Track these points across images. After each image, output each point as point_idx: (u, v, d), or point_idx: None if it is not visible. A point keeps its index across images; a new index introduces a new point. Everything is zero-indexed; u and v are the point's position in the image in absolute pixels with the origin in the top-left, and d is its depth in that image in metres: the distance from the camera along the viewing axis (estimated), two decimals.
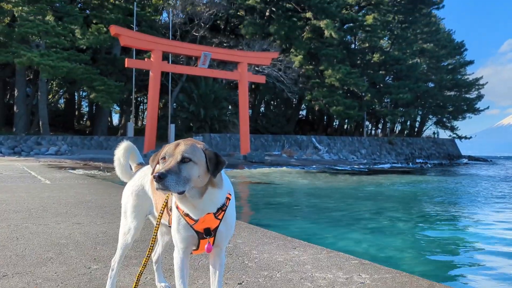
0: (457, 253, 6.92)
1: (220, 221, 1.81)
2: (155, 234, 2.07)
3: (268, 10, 42.68)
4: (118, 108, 47.49)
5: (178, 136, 32.89)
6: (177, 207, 1.81)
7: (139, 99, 49.12)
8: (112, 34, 27.28)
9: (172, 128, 31.92)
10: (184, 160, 1.63)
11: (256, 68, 36.95)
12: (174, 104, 38.39)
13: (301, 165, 30.77)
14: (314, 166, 30.90)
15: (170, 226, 1.96)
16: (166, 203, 1.98)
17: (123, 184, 2.38)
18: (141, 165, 2.36)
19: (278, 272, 2.95)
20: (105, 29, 30.94)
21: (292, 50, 43.57)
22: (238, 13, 45.20)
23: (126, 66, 27.73)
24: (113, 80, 32.87)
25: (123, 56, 33.51)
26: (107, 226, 4.43)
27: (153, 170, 1.75)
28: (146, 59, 29.51)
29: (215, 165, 1.67)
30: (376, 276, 2.88)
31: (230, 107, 42.11)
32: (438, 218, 10.49)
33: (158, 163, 1.74)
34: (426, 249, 7.09)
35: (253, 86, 45.13)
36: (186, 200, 1.72)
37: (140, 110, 53.77)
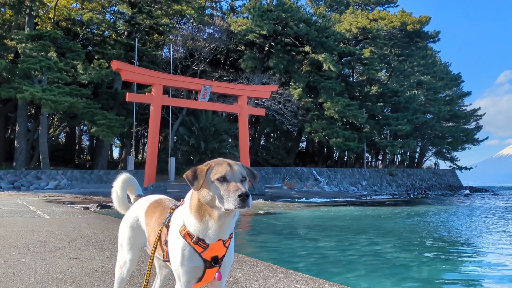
0: (463, 284, 6.78)
1: (226, 250, 1.81)
2: (149, 269, 2.04)
3: (267, 45, 43.52)
4: (118, 142, 47.63)
5: (178, 170, 32.85)
6: (185, 236, 1.78)
7: (139, 132, 49.37)
8: (113, 69, 27.69)
9: (172, 161, 31.89)
10: (242, 180, 1.71)
11: (256, 101, 37.33)
12: (175, 137, 38.54)
13: (302, 197, 30.57)
14: (315, 198, 30.69)
15: (165, 261, 1.94)
16: (160, 237, 1.95)
17: (122, 218, 2.36)
18: (139, 197, 2.34)
19: None
20: (106, 64, 31.46)
21: (291, 83, 44.17)
22: (238, 47, 46.08)
23: (127, 100, 28.00)
24: (114, 114, 33.14)
25: (124, 90, 33.93)
26: (106, 261, 4.36)
27: (198, 187, 1.72)
28: (147, 93, 29.85)
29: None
30: None
31: (230, 139, 42.24)
32: (444, 251, 10.32)
33: (200, 182, 1.71)
34: (432, 283, 6.95)
35: (253, 118, 45.46)
36: (225, 220, 1.73)
37: (140, 143, 53.93)
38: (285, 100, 39.21)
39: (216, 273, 1.79)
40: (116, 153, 55.59)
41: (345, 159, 56.81)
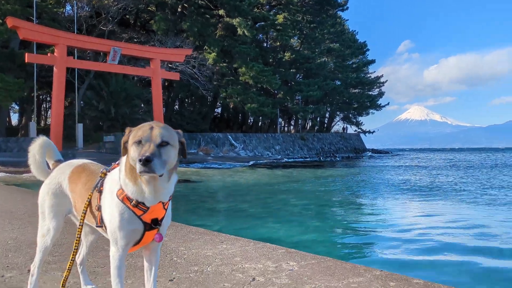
0: (370, 236, 7.41)
1: (166, 212, 1.79)
2: (78, 235, 1.96)
3: (180, 6, 41.98)
4: (17, 107, 43.64)
5: (86, 136, 31.13)
6: (123, 200, 1.72)
7: (42, 97, 45.56)
8: (9, 27, 25.00)
9: (79, 127, 30.14)
10: (162, 144, 1.62)
11: (170, 65, 36.20)
12: (82, 102, 36.23)
13: (218, 162, 30.82)
14: (231, 163, 31.12)
15: (97, 226, 1.87)
16: (90, 202, 1.88)
17: (31, 187, 2.18)
18: (59, 162, 2.21)
19: (209, 266, 2.94)
20: (0, 21, 28.19)
21: (205, 47, 43.36)
22: (149, 8, 43.85)
23: (26, 61, 25.62)
24: (11, 77, 30.09)
25: (22, 51, 30.80)
26: (17, 232, 4.08)
27: (122, 152, 1.72)
28: (49, 54, 27.48)
29: (185, 148, 1.73)
30: (303, 263, 2.98)
31: (142, 105, 40.78)
32: (351, 206, 11.15)
33: (125, 147, 1.70)
34: (344, 234, 7.49)
35: (166, 83, 44.15)
36: (155, 184, 1.68)
37: (43, 108, 49.87)
38: (199, 64, 38.52)
39: (156, 235, 1.78)
40: (15, 119, 50.96)
41: (259, 125, 57.99)
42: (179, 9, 42.37)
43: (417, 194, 13.68)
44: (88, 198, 1.89)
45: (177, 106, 52.16)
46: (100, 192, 1.84)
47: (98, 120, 35.67)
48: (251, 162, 33.20)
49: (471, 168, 28.78)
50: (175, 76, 33.19)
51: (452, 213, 9.99)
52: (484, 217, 9.49)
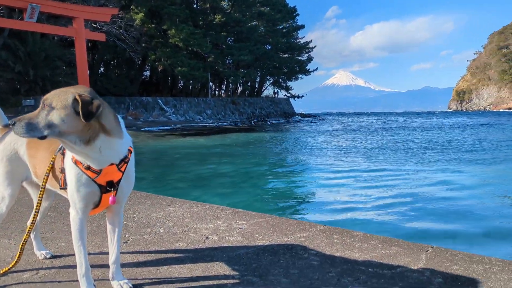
0: (308, 193, 7.93)
1: (123, 174, 1.81)
2: (39, 199, 1.98)
3: None
4: None
5: (3, 100, 28.92)
6: (76, 163, 1.76)
7: None
8: None
9: None
10: (43, 107, 1.63)
11: (94, 25, 34.13)
12: None
13: (148, 126, 30.21)
14: (161, 127, 30.65)
15: (62, 188, 1.89)
16: (53, 165, 1.90)
17: None
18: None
19: (161, 227, 3.03)
20: None
21: (132, 7, 41.24)
22: None
23: None
24: None
25: None
26: None
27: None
28: None
29: (86, 109, 1.60)
30: (252, 221, 3.18)
31: (64, 67, 38.30)
32: (286, 167, 11.67)
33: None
34: (286, 195, 7.93)
35: (89, 44, 41.61)
36: (74, 149, 1.68)
37: None
38: (126, 25, 36.70)
39: (110, 197, 1.80)
40: None
41: (190, 89, 57.00)
42: None
43: (344, 155, 14.58)
44: (52, 161, 1.90)
45: (102, 69, 49.60)
46: (63, 154, 1.86)
47: (15, 83, 33.11)
48: (184, 126, 32.92)
49: (375, 131, 30.88)
50: (100, 36, 31.37)
51: (377, 171, 10.88)
52: (406, 173, 10.47)
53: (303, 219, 5.33)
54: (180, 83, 56.04)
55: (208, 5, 50.23)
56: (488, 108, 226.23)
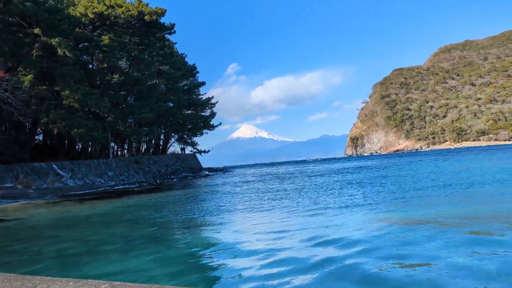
0: (200, 255, 7.54)
1: None
2: None
3: None
4: None
5: None
6: None
7: None
8: None
9: None
10: None
11: None
12: None
13: (41, 195, 27.68)
14: (54, 194, 28.28)
15: None
16: None
17: None
18: None
19: None
20: None
21: (20, 68, 38.83)
22: None
23: None
24: None
25: None
26: None
27: None
28: None
29: None
30: None
31: None
32: (181, 229, 11.20)
33: None
34: (178, 260, 7.46)
35: None
36: None
37: None
38: (13, 87, 34.26)
39: None
40: None
41: (89, 150, 54.14)
42: None
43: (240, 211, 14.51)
44: None
45: None
46: None
47: None
48: (81, 192, 30.75)
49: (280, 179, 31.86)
50: None
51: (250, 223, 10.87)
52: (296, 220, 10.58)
53: (192, 285, 4.96)
54: (78, 145, 53.03)
55: (105, 65, 49.20)
56: (379, 152, 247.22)
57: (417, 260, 6.11)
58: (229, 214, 13.15)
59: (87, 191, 31.35)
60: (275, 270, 6.09)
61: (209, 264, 6.77)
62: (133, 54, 51.43)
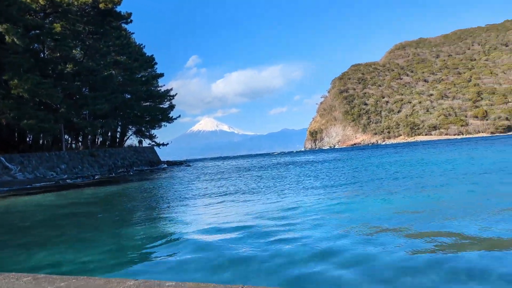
0: (153, 247, 7.49)
1: None
2: None
3: None
4: None
5: None
6: None
7: None
8: None
9: None
10: None
11: None
12: None
13: None
14: (2, 188, 27.10)
15: None
16: None
17: None
18: None
19: None
20: None
21: None
22: None
23: None
24: None
25: None
26: None
27: None
28: None
29: None
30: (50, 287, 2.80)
31: None
32: (136, 220, 11.05)
33: None
34: (122, 252, 7.36)
35: None
36: None
37: None
38: None
39: None
40: None
41: (41, 143, 52.06)
42: None
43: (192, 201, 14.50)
44: None
45: None
46: None
47: None
48: (31, 185, 29.60)
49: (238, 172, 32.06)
50: None
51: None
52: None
53: (127, 276, 4.93)
54: (29, 138, 50.86)
55: (58, 54, 47.32)
56: (337, 145, 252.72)
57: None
58: (172, 207, 13.08)
59: (37, 185, 30.22)
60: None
61: (144, 254, 6.74)
62: (87, 43, 49.79)
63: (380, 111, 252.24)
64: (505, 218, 7.78)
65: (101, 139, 61.78)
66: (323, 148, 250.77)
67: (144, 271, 5.50)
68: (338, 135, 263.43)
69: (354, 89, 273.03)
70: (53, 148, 50.20)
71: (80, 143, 58.98)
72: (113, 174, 42.22)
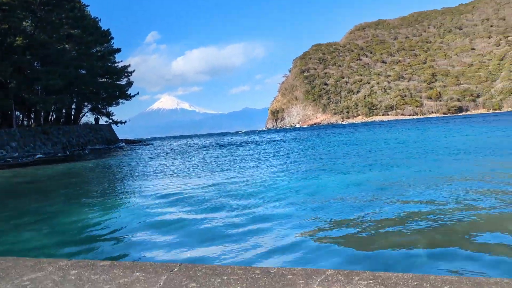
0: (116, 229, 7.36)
1: None
2: None
3: None
4: None
5: None
6: None
7: None
8: None
9: None
10: None
11: None
12: None
13: None
14: None
15: None
16: None
17: None
18: None
19: None
20: None
21: None
22: None
23: None
24: None
25: None
26: None
27: None
28: None
29: None
30: None
31: None
32: (92, 200, 10.81)
33: None
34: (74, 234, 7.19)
35: None
36: None
37: None
38: None
39: None
40: None
41: None
42: None
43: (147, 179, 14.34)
44: None
45: None
46: None
47: None
48: None
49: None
50: None
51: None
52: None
53: (72, 256, 4.83)
54: None
55: (6, 26, 44.62)
56: (298, 125, 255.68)
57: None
58: (120, 186, 12.90)
59: None
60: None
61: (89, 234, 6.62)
62: (38, 15, 47.22)
63: (340, 91, 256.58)
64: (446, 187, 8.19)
65: (54, 116, 59.38)
66: (285, 127, 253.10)
67: (79, 251, 5.40)
68: (299, 114, 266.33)
69: (315, 69, 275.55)
70: (3, 125, 47.87)
71: (32, 120, 56.49)
72: (68, 153, 40.90)
